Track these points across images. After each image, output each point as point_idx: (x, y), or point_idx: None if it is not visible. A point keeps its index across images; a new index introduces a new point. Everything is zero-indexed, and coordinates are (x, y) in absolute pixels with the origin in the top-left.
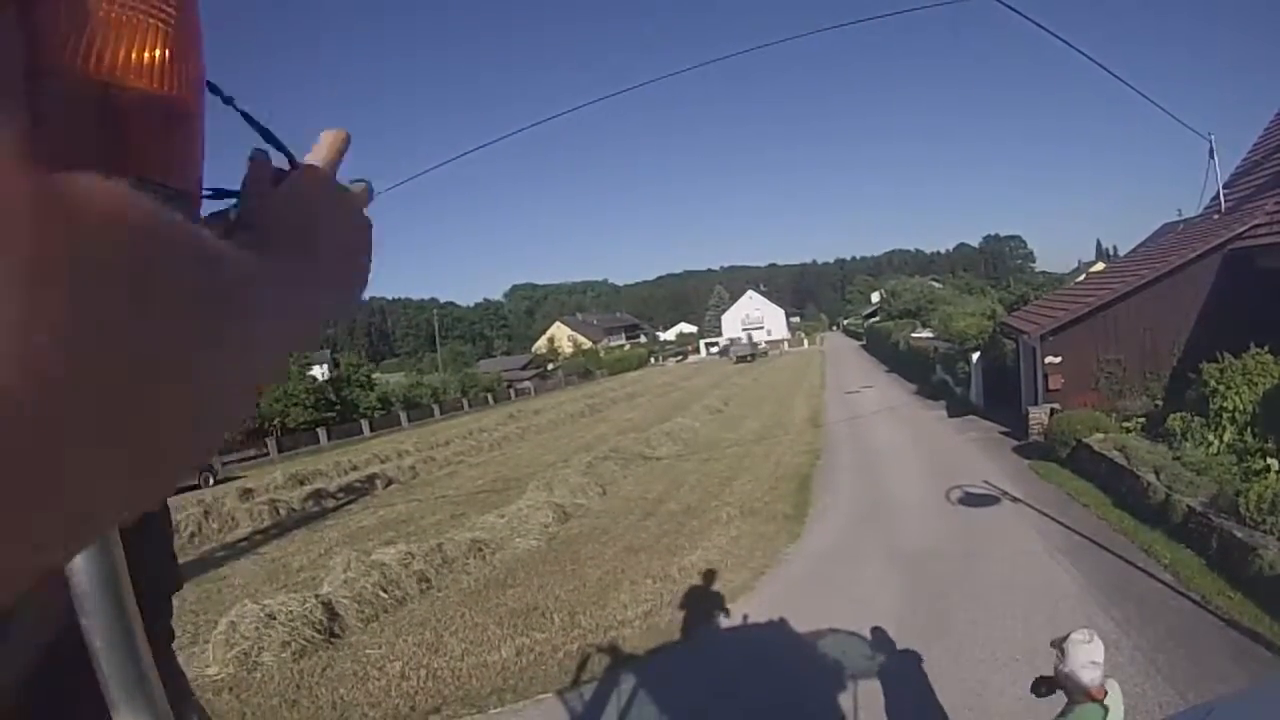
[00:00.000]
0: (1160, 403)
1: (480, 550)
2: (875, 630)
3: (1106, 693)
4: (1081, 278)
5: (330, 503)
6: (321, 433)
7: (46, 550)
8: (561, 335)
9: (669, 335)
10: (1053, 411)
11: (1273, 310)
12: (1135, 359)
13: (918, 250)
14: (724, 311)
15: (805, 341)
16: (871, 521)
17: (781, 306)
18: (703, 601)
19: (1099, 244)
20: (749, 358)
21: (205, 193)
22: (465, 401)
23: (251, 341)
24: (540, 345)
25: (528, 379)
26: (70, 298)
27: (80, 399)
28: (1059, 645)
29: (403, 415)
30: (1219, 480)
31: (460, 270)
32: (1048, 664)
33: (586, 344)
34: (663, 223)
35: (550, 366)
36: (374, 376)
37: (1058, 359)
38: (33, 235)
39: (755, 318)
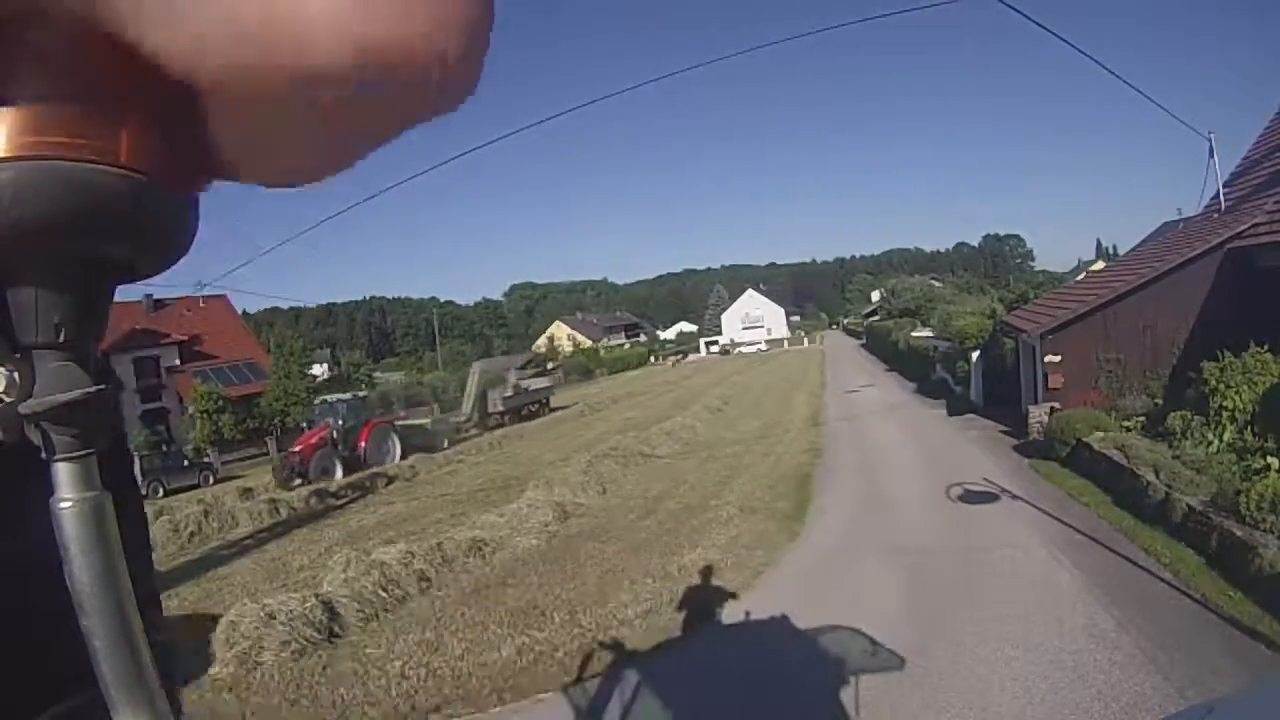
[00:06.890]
0: (1160, 402)
1: (480, 549)
2: (876, 627)
3: None
4: (1081, 276)
5: (330, 501)
6: None
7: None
8: (561, 334)
9: (669, 334)
10: (1052, 410)
11: (1272, 309)
12: (1135, 358)
13: (917, 249)
14: (724, 311)
15: (805, 340)
16: (871, 519)
17: (781, 305)
18: (703, 600)
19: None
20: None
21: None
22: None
23: None
24: (540, 344)
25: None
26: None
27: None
28: None
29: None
30: (1219, 479)
31: (460, 269)
32: (1048, 662)
33: (586, 343)
34: (663, 222)
35: (550, 365)
36: (374, 375)
37: (1058, 358)
38: None
39: (755, 317)
